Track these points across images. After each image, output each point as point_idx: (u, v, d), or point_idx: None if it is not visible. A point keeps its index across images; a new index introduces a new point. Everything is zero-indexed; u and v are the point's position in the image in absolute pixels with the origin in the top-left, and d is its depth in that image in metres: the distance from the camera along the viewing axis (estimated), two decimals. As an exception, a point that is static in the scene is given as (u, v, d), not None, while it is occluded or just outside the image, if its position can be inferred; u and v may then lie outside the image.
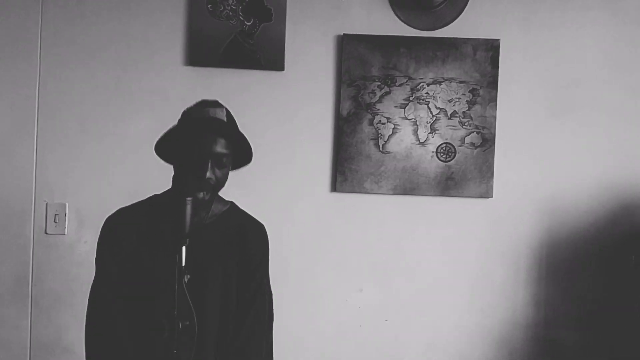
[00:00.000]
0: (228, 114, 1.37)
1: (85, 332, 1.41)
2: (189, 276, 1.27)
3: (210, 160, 1.30)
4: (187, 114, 1.37)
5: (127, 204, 1.46)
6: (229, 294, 1.39)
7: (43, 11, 2.09)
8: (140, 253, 1.35)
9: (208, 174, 1.30)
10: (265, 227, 1.49)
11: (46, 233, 2.09)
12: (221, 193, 1.41)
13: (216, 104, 1.37)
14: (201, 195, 1.31)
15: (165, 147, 1.38)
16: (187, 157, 1.32)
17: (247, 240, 1.43)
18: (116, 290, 1.37)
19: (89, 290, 1.41)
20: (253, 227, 1.47)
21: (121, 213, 1.43)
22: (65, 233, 2.09)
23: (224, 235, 1.41)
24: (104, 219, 1.43)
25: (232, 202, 1.49)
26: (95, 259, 1.42)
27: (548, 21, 2.09)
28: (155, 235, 1.37)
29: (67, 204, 2.09)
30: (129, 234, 1.38)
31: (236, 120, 1.40)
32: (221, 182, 1.36)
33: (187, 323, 1.18)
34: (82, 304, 2.07)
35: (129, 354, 1.34)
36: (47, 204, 2.09)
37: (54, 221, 2.09)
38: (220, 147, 1.31)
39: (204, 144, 1.31)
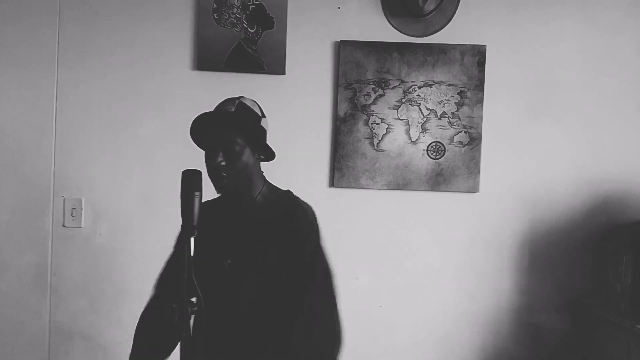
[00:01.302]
0: (241, 105, 1.38)
1: None
2: (229, 261, 1.34)
3: (220, 151, 1.33)
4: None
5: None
6: (268, 278, 1.36)
7: (60, 19, 2.19)
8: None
9: (218, 163, 1.32)
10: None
11: (64, 226, 2.19)
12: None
13: (231, 100, 1.39)
14: (220, 184, 1.34)
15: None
16: (204, 150, 1.38)
17: (291, 222, 1.39)
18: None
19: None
20: (297, 209, 1.43)
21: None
22: (82, 226, 2.19)
23: (268, 221, 1.40)
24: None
25: (287, 190, 1.47)
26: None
27: (530, 28, 2.20)
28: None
29: (83, 199, 2.19)
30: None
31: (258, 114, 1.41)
32: (240, 171, 1.35)
33: (195, 309, 1.19)
34: (97, 292, 2.21)
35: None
36: (64, 199, 2.19)
37: (71, 215, 2.19)
38: (226, 136, 1.33)
39: (210, 135, 1.35)
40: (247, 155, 1.37)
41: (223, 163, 1.33)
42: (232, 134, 1.35)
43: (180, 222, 1.19)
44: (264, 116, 1.44)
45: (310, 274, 1.38)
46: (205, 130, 1.37)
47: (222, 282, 1.36)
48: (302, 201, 1.47)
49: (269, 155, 1.45)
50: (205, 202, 1.33)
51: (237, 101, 1.39)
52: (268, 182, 1.48)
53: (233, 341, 1.38)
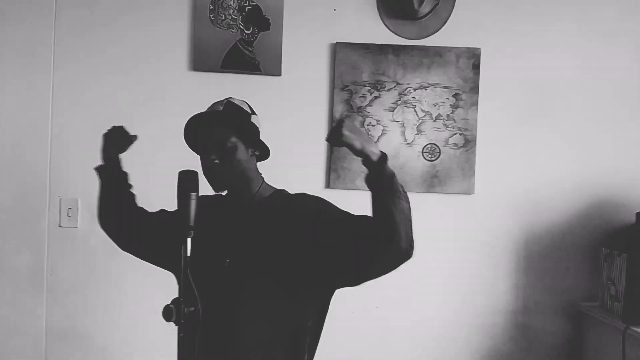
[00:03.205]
0: (229, 104, 1.39)
1: None
2: (228, 260, 1.33)
3: (213, 151, 1.33)
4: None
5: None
6: (277, 275, 1.34)
7: (56, 20, 2.19)
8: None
9: (211, 162, 1.33)
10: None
11: (60, 226, 2.20)
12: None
13: (219, 101, 1.41)
14: (216, 183, 1.35)
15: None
16: (198, 154, 1.41)
17: (296, 210, 1.37)
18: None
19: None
20: (298, 198, 1.40)
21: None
22: (78, 226, 2.20)
23: (268, 218, 1.39)
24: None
25: (282, 190, 1.46)
26: None
27: (525, 32, 2.22)
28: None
29: (79, 199, 2.20)
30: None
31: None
32: (234, 167, 1.35)
33: (192, 309, 1.19)
34: (94, 293, 2.21)
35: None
36: (60, 199, 2.20)
37: (67, 215, 2.20)
38: (218, 135, 1.34)
39: (201, 136, 1.36)
40: (241, 152, 1.37)
41: (217, 161, 1.34)
42: (223, 132, 1.35)
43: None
44: (254, 113, 1.44)
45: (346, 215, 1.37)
46: (196, 132, 1.39)
47: (221, 281, 1.37)
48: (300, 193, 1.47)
49: (264, 151, 1.45)
50: (204, 196, 1.33)
51: (225, 101, 1.41)
52: (265, 182, 1.47)
53: (231, 341, 1.37)
